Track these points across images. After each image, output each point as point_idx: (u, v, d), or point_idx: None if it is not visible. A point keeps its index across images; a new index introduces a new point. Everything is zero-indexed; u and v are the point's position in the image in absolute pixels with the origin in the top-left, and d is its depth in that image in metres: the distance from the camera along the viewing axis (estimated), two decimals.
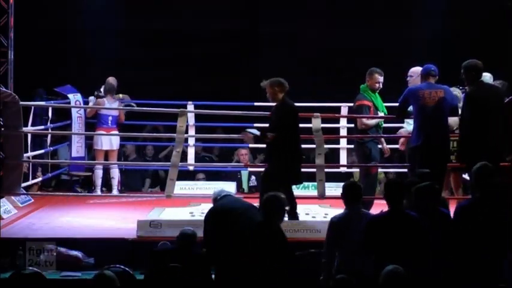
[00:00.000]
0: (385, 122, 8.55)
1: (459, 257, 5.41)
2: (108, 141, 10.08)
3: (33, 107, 9.66)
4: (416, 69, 8.79)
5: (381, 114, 8.28)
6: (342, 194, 6.07)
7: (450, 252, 5.43)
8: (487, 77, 8.15)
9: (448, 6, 12.00)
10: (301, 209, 8.66)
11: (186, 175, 10.54)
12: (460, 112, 7.44)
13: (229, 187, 9.80)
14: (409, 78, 8.80)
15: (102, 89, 10.25)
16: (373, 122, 8.17)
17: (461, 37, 11.94)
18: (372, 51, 12.10)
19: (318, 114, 8.00)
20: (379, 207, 8.10)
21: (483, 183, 5.58)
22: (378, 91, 8.25)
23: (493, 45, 11.24)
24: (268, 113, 8.22)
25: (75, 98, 10.29)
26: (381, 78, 8.18)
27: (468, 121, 7.09)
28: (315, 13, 12.61)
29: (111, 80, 10.31)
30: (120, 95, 10.37)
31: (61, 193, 10.07)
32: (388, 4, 12.33)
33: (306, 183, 10.01)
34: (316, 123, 8.04)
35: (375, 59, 10.99)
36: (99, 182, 10.14)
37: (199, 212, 8.39)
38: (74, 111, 10.18)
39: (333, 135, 9.63)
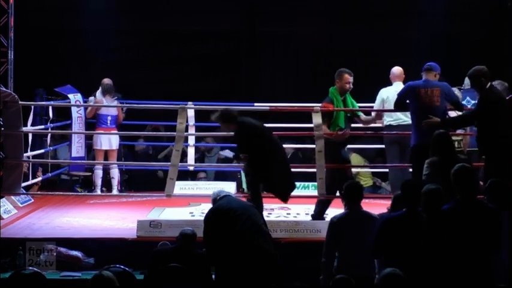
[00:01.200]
0: None
1: (454, 260, 5.40)
2: (108, 141, 10.08)
3: (33, 107, 9.67)
4: (393, 69, 8.97)
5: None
6: (342, 193, 6.08)
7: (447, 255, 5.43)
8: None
9: (448, 7, 12.01)
10: (301, 209, 8.67)
11: (186, 175, 10.55)
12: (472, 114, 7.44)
13: (229, 187, 9.80)
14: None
15: (97, 92, 10.22)
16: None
17: (461, 37, 11.95)
18: (372, 51, 12.11)
19: (318, 108, 7.89)
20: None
21: (463, 185, 5.56)
22: (348, 92, 8.06)
23: (493, 46, 11.25)
24: (267, 108, 8.34)
25: (75, 98, 10.29)
26: (351, 79, 8.00)
27: (488, 124, 7.08)
28: (315, 13, 12.61)
29: (107, 80, 10.31)
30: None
31: (61, 193, 10.07)
32: (388, 4, 12.33)
33: (306, 183, 10.02)
34: (317, 118, 7.93)
35: (374, 59, 11.02)
36: (99, 182, 10.14)
37: (199, 212, 8.39)
38: (74, 111, 10.17)
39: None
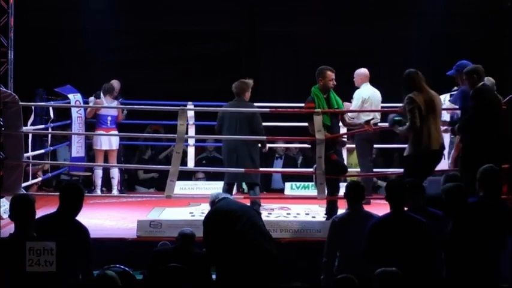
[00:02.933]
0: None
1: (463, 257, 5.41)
2: (108, 141, 10.08)
3: (33, 107, 9.67)
4: (362, 71, 9.11)
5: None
6: (344, 193, 6.07)
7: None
8: None
9: (448, 7, 12.00)
10: (301, 209, 8.68)
11: (186, 175, 10.54)
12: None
13: None
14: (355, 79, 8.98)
15: (101, 92, 10.26)
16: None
17: (461, 37, 11.94)
18: (372, 51, 12.10)
19: (319, 110, 7.85)
20: None
21: (488, 183, 5.58)
22: (332, 89, 7.98)
23: (493, 46, 11.24)
24: (267, 110, 8.49)
25: (75, 98, 10.29)
26: (334, 75, 7.93)
27: (479, 123, 7.08)
28: (315, 13, 12.61)
29: (114, 82, 10.34)
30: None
31: None
32: (388, 4, 12.33)
33: (306, 183, 10.03)
34: (318, 121, 7.91)
35: (374, 59, 11.01)
36: (99, 182, 10.15)
37: (199, 212, 8.40)
38: (74, 111, 10.17)
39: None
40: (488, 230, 5.43)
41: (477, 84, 7.22)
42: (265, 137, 8.35)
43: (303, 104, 8.28)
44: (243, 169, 8.15)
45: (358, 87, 9.23)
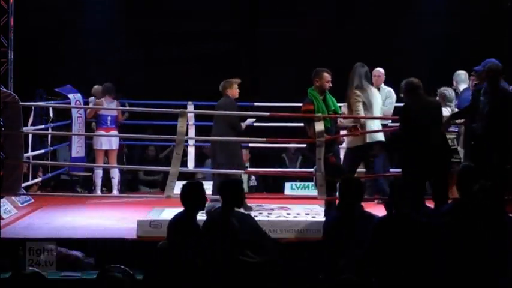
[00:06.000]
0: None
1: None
2: (107, 141, 10.09)
3: (33, 107, 9.67)
4: (381, 70, 9.26)
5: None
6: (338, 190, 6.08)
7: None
8: (462, 75, 8.26)
9: (448, 7, 12.01)
10: (301, 209, 8.68)
11: (186, 175, 10.54)
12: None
13: None
14: (377, 78, 8.94)
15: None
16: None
17: (461, 37, 11.95)
18: (372, 51, 12.10)
19: (320, 115, 7.86)
20: None
21: (466, 186, 5.52)
22: (327, 91, 7.97)
23: (493, 46, 11.24)
24: (267, 114, 8.59)
25: (75, 98, 10.30)
26: (330, 77, 7.94)
27: (497, 119, 7.08)
28: (315, 13, 12.61)
29: (107, 84, 10.36)
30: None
31: (61, 193, 10.07)
32: (388, 5, 12.34)
33: (306, 183, 10.03)
34: (319, 126, 7.89)
35: (374, 59, 11.00)
36: (99, 181, 10.15)
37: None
38: (74, 111, 10.18)
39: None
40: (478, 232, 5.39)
41: (499, 84, 7.21)
42: (265, 139, 8.43)
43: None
44: (242, 171, 8.17)
45: (378, 86, 9.20)
